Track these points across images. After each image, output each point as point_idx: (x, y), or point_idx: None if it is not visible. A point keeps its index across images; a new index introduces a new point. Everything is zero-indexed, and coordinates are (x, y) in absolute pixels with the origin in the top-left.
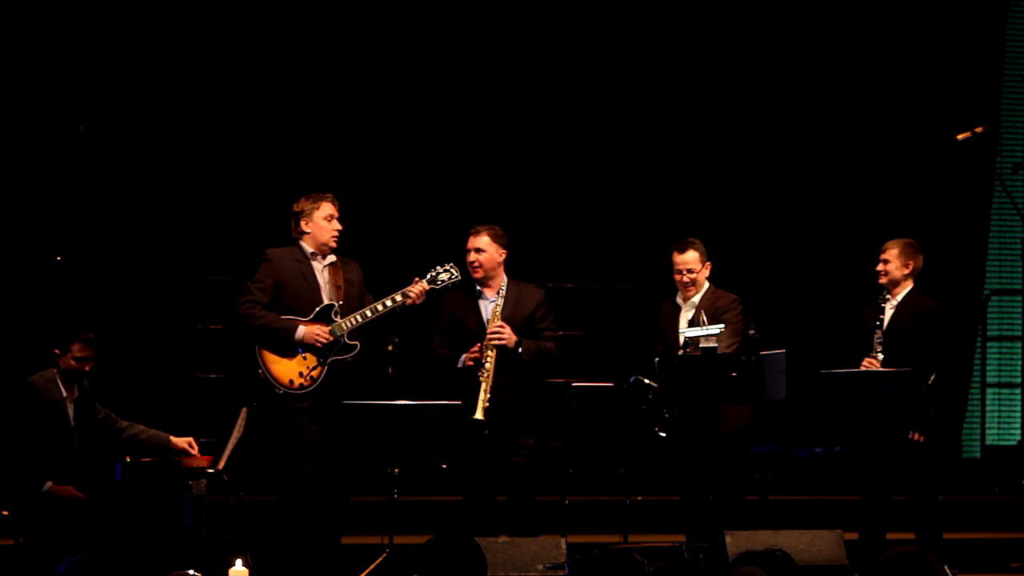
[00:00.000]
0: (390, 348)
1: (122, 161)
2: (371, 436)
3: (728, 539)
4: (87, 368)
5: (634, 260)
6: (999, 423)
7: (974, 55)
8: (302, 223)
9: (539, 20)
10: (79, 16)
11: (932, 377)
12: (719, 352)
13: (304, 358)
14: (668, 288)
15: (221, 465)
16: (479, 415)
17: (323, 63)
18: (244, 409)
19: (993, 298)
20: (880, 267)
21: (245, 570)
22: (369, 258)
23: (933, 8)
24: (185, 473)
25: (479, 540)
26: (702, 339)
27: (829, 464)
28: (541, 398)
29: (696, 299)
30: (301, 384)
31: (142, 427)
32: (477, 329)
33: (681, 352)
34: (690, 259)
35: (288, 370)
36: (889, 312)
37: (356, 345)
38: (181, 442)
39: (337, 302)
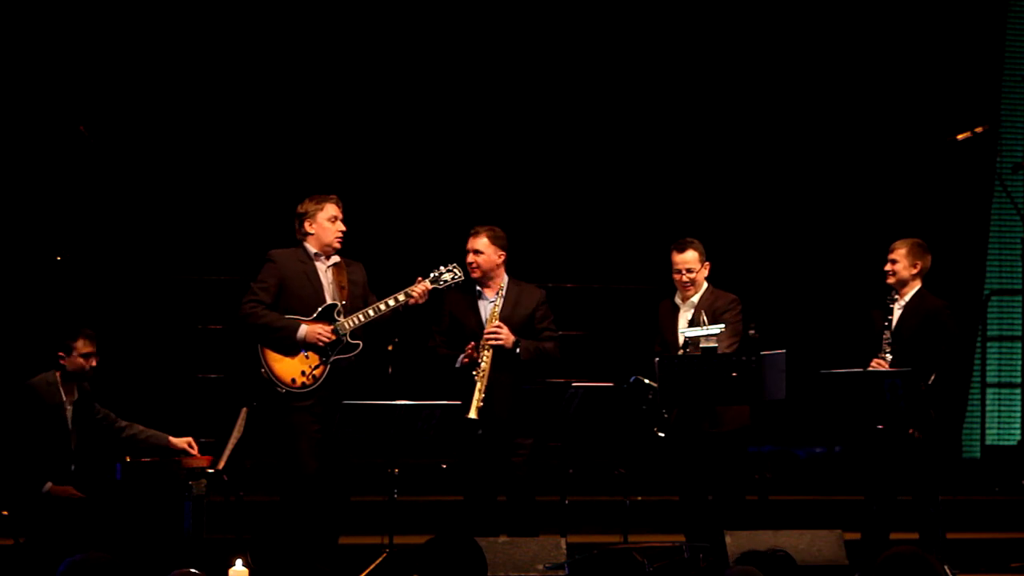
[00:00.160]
0: (390, 348)
1: (122, 161)
2: (371, 436)
3: (728, 539)
4: (93, 363)
5: (634, 260)
6: (999, 423)
7: (974, 55)
8: (306, 224)
9: (539, 21)
10: (79, 16)
11: (932, 377)
12: (719, 352)
13: (306, 357)
14: (668, 288)
15: (221, 465)
16: (472, 414)
17: (324, 64)
18: (244, 409)
19: (993, 298)
20: (888, 267)
21: (245, 570)
22: (372, 258)
23: (933, 8)
24: (185, 473)
25: (479, 540)
26: (702, 339)
27: (829, 464)
28: (541, 398)
29: (695, 299)
30: (303, 383)
31: (141, 427)
32: (476, 329)
33: (681, 352)
34: (689, 259)
35: (291, 369)
36: (897, 312)
37: (359, 344)
38: (180, 442)
39: (340, 302)
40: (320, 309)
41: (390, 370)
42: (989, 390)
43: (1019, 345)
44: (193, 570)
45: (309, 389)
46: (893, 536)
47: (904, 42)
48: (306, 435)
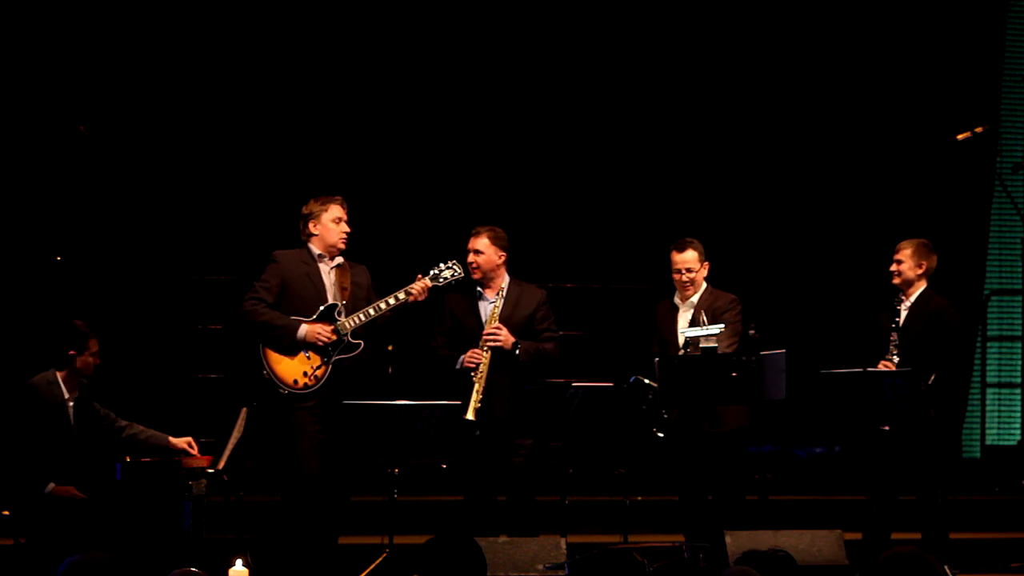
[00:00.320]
0: (390, 348)
1: (122, 161)
2: (371, 436)
3: (728, 539)
4: (97, 362)
5: (634, 260)
6: (999, 423)
7: (974, 55)
8: (310, 225)
9: (540, 22)
10: (79, 16)
11: (932, 377)
12: (719, 352)
13: (308, 357)
14: (667, 288)
15: (221, 465)
16: (470, 415)
17: (325, 65)
18: (244, 409)
19: (993, 298)
20: (893, 267)
21: (245, 570)
22: (373, 259)
23: (933, 8)
24: (185, 473)
25: (479, 540)
26: (702, 339)
27: (829, 464)
28: (541, 398)
29: (695, 299)
30: (305, 384)
31: (141, 427)
32: (477, 330)
33: (682, 352)
34: (689, 258)
35: (292, 370)
36: (904, 313)
37: (360, 344)
38: (180, 442)
39: (341, 303)
40: (321, 309)
41: (390, 370)
42: (989, 390)
43: (1019, 345)
44: (194, 569)
45: (311, 390)
46: (895, 536)
47: (904, 42)
48: (307, 435)
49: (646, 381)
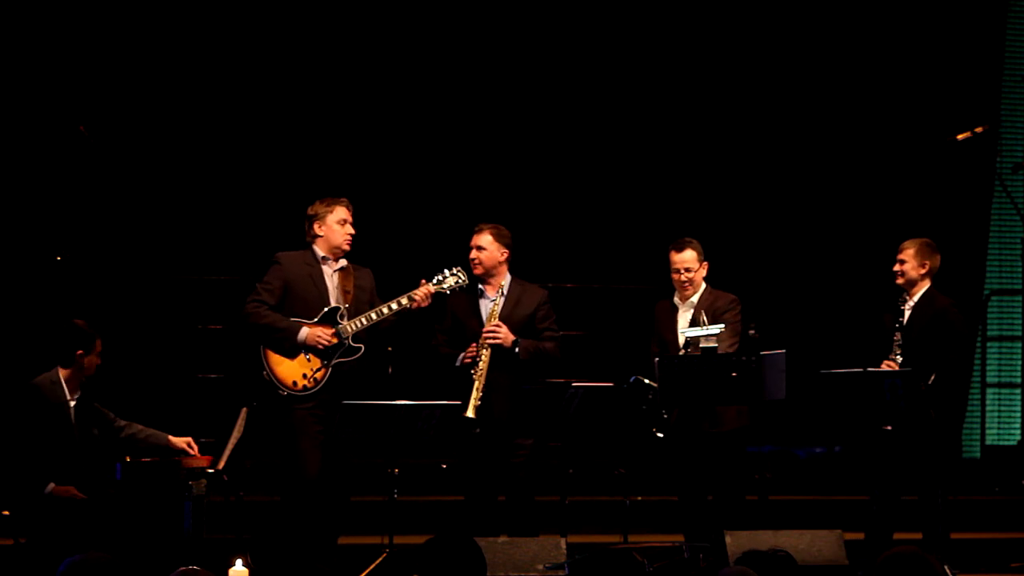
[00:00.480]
0: (389, 348)
1: (122, 161)
2: (371, 436)
3: (728, 539)
4: (99, 363)
5: (634, 260)
6: (999, 423)
7: (974, 55)
8: (315, 226)
9: (541, 23)
10: (79, 16)
11: (932, 377)
12: (720, 352)
13: (308, 360)
14: (667, 288)
15: (221, 465)
16: (470, 413)
17: (328, 65)
18: (244, 409)
19: (993, 298)
20: (897, 267)
21: (245, 570)
22: (373, 260)
23: (933, 8)
24: (185, 473)
25: (479, 540)
26: (702, 339)
27: (829, 464)
28: (541, 398)
29: (695, 299)
30: (304, 386)
31: (141, 427)
32: (477, 329)
33: (682, 352)
34: (687, 258)
35: (292, 372)
36: (907, 313)
37: (360, 348)
38: (180, 442)
39: (344, 306)
40: (323, 312)
41: (390, 370)
42: (989, 390)
43: (1019, 345)
44: (197, 567)
45: (310, 392)
46: (897, 536)
47: (904, 42)
48: (307, 435)
49: (646, 381)
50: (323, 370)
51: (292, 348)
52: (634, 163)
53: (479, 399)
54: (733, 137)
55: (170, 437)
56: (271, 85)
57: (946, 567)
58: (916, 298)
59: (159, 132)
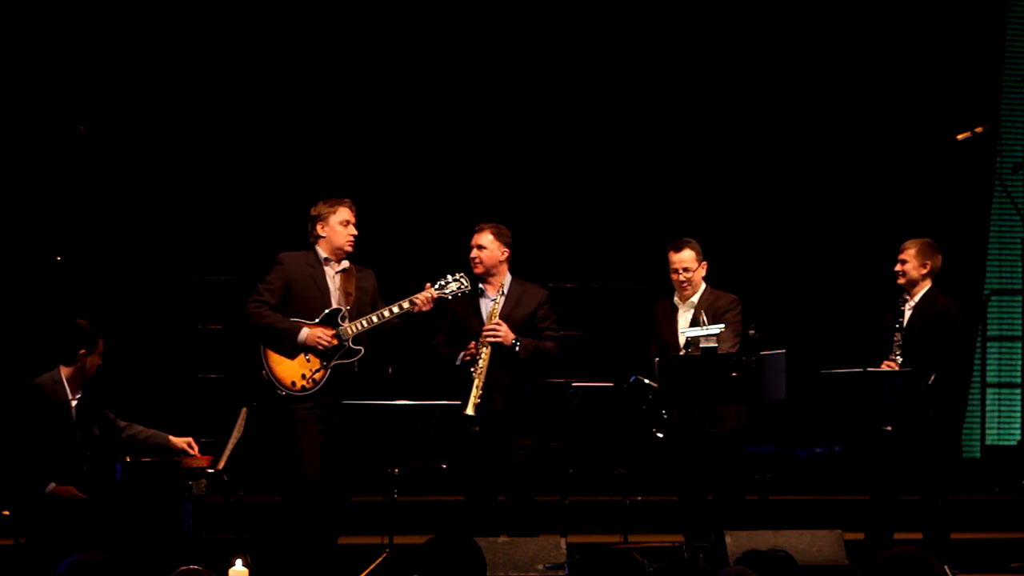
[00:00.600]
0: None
1: (122, 161)
2: (371, 436)
3: (728, 539)
4: (100, 363)
5: (634, 260)
6: (999, 423)
7: (974, 55)
8: (318, 227)
9: (541, 25)
10: (79, 16)
11: (932, 377)
12: (721, 352)
13: (308, 360)
14: (667, 288)
15: (221, 465)
16: (469, 411)
17: (330, 65)
18: (244, 409)
19: (993, 298)
20: (898, 267)
21: (245, 570)
22: (375, 261)
23: (933, 8)
24: (185, 473)
25: (479, 540)
26: (703, 339)
27: (829, 464)
28: (541, 398)
29: (695, 299)
30: (303, 387)
31: (141, 427)
32: (478, 329)
33: (683, 352)
34: (686, 258)
35: (291, 372)
36: (908, 313)
37: (360, 350)
38: (180, 442)
39: (345, 307)
40: (324, 313)
41: (390, 370)
42: (989, 390)
43: (1019, 345)
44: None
45: (308, 393)
46: (897, 536)
47: (904, 42)
48: (307, 435)
49: (646, 381)
50: (322, 371)
51: (292, 348)
52: (634, 163)
53: (479, 397)
54: (733, 137)
55: (170, 437)
56: (273, 85)
57: (946, 567)
58: (917, 298)
59: (159, 132)
